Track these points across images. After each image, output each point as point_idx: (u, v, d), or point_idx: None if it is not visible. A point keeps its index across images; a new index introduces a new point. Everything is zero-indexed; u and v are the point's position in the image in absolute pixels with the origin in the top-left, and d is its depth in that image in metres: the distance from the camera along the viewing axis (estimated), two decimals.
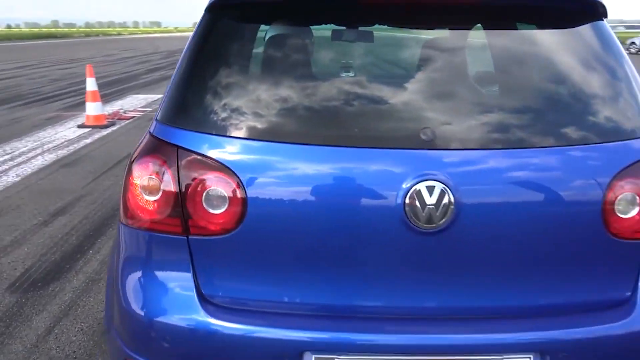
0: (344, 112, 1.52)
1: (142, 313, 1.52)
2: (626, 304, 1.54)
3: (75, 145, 6.51)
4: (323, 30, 1.89)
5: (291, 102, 1.53)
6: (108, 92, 11.28)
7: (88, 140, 6.77)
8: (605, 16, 1.66)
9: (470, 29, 1.82)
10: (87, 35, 69.15)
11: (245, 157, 1.46)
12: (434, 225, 1.41)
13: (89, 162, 5.70)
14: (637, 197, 1.50)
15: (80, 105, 8.93)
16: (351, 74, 1.80)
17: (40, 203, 4.43)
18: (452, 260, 1.48)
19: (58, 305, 2.87)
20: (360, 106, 1.53)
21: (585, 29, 1.63)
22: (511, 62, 1.71)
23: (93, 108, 7.55)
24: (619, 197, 1.49)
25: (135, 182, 1.52)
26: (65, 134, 7.09)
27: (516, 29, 1.70)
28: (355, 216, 1.45)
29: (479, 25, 1.71)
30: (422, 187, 1.40)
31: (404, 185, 1.41)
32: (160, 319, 1.50)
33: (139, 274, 1.57)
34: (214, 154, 1.46)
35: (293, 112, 1.52)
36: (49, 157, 5.90)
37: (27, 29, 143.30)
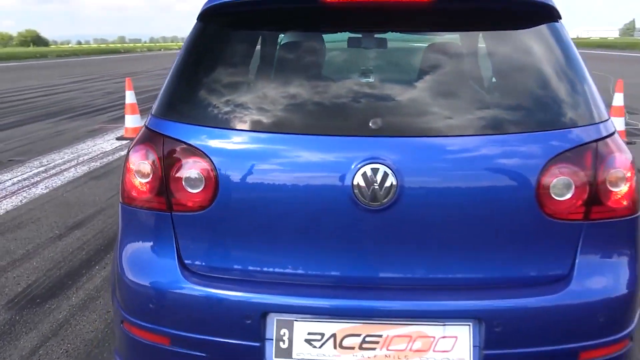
0: (305, 105, 1.74)
1: (133, 279, 1.75)
2: (564, 280, 1.65)
3: (110, 157, 6.58)
4: (296, 34, 2.14)
5: (260, 98, 1.77)
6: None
7: (123, 153, 6.82)
8: (560, 18, 1.80)
9: (429, 32, 2.04)
10: (150, 49, 71.60)
11: (218, 144, 1.68)
12: (378, 203, 1.59)
13: (118, 175, 5.69)
14: (572, 181, 1.62)
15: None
16: (314, 74, 2.05)
17: (60, 216, 4.43)
18: (397, 235, 1.64)
19: (50, 324, 2.79)
20: (319, 100, 1.74)
21: (539, 30, 1.77)
22: (458, 59, 1.90)
23: (131, 120, 7.63)
24: (554, 181, 1.61)
25: (131, 167, 1.75)
26: (102, 146, 7.19)
27: (470, 30, 1.93)
28: (312, 194, 1.64)
29: (440, 28, 1.94)
30: (368, 169, 1.58)
31: (353, 167, 1.59)
32: (147, 283, 1.73)
33: (132, 245, 1.81)
34: (192, 141, 1.68)
35: (260, 106, 1.74)
36: (81, 169, 5.96)
37: (95, 45, 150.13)
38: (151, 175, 1.73)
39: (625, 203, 1.68)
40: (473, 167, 1.64)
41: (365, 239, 1.66)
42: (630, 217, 1.70)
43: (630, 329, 1.71)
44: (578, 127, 1.67)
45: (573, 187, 1.63)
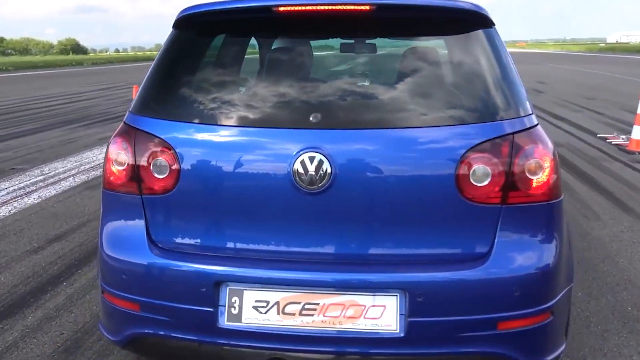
0: (255, 101, 2.00)
1: (109, 253, 1.99)
2: (483, 257, 1.82)
3: None
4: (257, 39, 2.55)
5: (217, 96, 2.03)
6: None
7: None
8: (493, 25, 2.01)
9: (370, 38, 2.26)
10: None
11: (181, 136, 1.91)
12: (315, 187, 1.79)
13: None
14: (489, 170, 1.80)
15: None
16: (265, 76, 2.33)
17: (44, 227, 4.31)
18: (332, 215, 1.84)
19: None
20: (267, 97, 1.99)
21: (472, 35, 1.98)
22: (390, 62, 2.11)
23: None
24: (472, 169, 1.80)
25: (110, 157, 2.00)
26: None
27: (408, 36, 2.21)
28: (259, 179, 1.86)
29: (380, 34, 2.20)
30: (306, 157, 1.79)
31: (294, 155, 1.80)
32: (121, 257, 1.97)
33: (110, 224, 2.04)
34: (160, 134, 1.92)
35: (217, 103, 2.00)
36: (80, 179, 5.87)
37: (132, 53, 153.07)
38: (126, 164, 1.98)
39: (543, 190, 1.84)
40: (400, 155, 1.84)
41: (305, 218, 1.87)
42: (548, 202, 1.86)
43: (549, 304, 1.86)
44: (497, 121, 1.85)
45: (490, 174, 1.81)
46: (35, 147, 7.82)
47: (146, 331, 1.96)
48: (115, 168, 2.00)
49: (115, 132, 2.06)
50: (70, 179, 5.88)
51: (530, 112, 1.91)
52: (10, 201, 5.04)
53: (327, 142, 1.83)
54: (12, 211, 4.75)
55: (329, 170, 1.81)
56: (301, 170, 1.81)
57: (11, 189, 5.48)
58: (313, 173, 1.81)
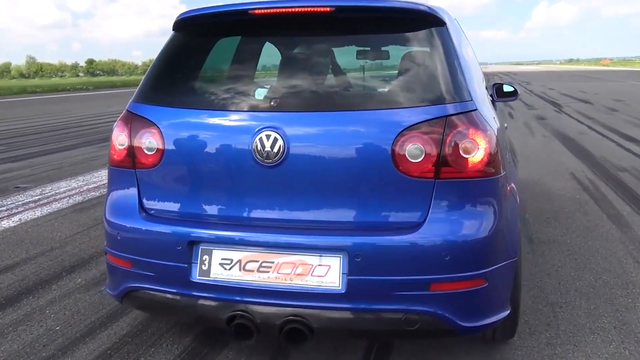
0: (227, 89, 2.46)
1: (109, 218, 2.36)
2: (418, 225, 2.05)
3: None
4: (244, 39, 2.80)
5: (199, 85, 2.52)
6: None
7: None
8: (445, 24, 2.26)
9: (334, 36, 2.57)
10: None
11: (166, 118, 2.28)
12: (270, 161, 2.10)
13: (102, 208, 5.15)
14: (422, 147, 2.05)
15: None
16: (239, 69, 2.75)
17: (1, 256, 3.89)
18: (286, 186, 2.13)
19: None
20: (237, 86, 2.51)
21: (424, 32, 2.27)
22: (345, 56, 2.72)
23: None
24: (407, 146, 2.05)
25: (113, 138, 2.37)
26: None
27: (367, 34, 2.54)
28: (227, 154, 2.18)
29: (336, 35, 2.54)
30: (263, 135, 2.10)
31: (255, 133, 2.11)
32: (117, 221, 2.33)
33: (112, 194, 2.42)
34: (149, 117, 2.29)
35: (198, 91, 2.50)
36: (75, 200, 5.50)
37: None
38: (125, 143, 2.32)
39: (477, 167, 2.06)
40: (343, 134, 2.11)
41: (263, 189, 2.14)
42: (482, 179, 2.07)
43: (481, 271, 2.06)
44: (432, 105, 2.09)
45: (424, 152, 2.04)
46: (56, 165, 7.62)
47: (136, 285, 2.29)
48: (117, 147, 2.36)
49: (119, 118, 2.41)
50: (65, 200, 5.51)
51: (469, 99, 2.13)
52: None
53: (281, 122, 2.12)
54: None
55: (282, 147, 2.09)
56: (259, 147, 2.10)
57: None
58: (269, 149, 2.09)
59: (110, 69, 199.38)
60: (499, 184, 2.14)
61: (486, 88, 4.02)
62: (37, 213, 5.02)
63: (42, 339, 2.71)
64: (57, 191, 5.92)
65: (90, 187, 6.11)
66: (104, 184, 6.20)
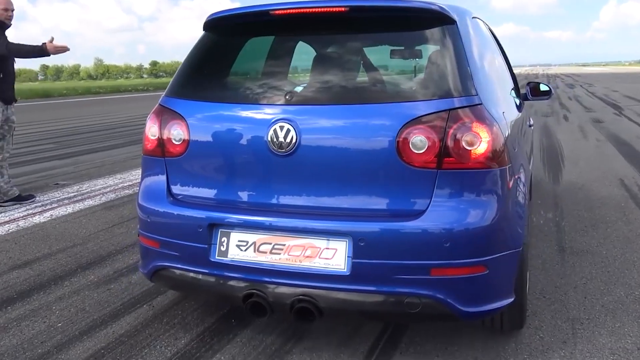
0: (248, 85, 2.76)
1: (141, 202, 2.57)
2: (421, 213, 2.15)
3: None
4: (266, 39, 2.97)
5: (223, 81, 2.71)
6: None
7: None
8: (455, 22, 2.36)
9: (350, 34, 2.63)
10: None
11: (192, 111, 2.48)
12: (284, 150, 2.25)
13: (132, 207, 5.21)
14: (426, 139, 2.14)
15: None
16: (261, 66, 2.87)
17: (23, 250, 3.98)
18: (297, 174, 2.28)
19: None
20: (257, 81, 2.77)
21: (435, 30, 2.39)
22: (355, 55, 2.73)
23: None
24: (411, 138, 2.16)
25: (146, 129, 2.58)
26: None
27: (380, 31, 2.56)
28: (245, 144, 2.35)
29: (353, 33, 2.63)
30: (277, 126, 2.26)
31: (270, 124, 2.28)
32: (147, 205, 2.54)
33: (145, 180, 2.63)
34: (177, 109, 2.50)
35: (221, 86, 2.67)
36: (108, 197, 5.59)
37: None
38: (156, 134, 2.53)
39: (479, 159, 2.15)
40: (351, 126, 2.25)
41: (277, 176, 2.30)
42: (485, 170, 2.17)
43: (481, 259, 2.16)
44: (436, 99, 2.20)
45: (427, 143, 2.15)
46: (98, 163, 7.81)
47: (163, 264, 2.49)
48: (149, 137, 2.57)
49: (152, 111, 2.60)
50: (98, 197, 5.62)
51: (474, 94, 2.22)
52: (18, 219, 4.82)
53: (294, 115, 2.27)
54: (10, 230, 4.50)
55: (294, 138, 2.24)
56: (274, 137, 2.26)
57: (32, 206, 5.30)
58: (282, 139, 2.25)
59: (173, 70, 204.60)
60: (502, 177, 2.22)
61: (519, 88, 4.04)
62: (69, 210, 5.13)
63: (42, 335, 2.72)
64: (93, 188, 6.05)
65: (125, 184, 6.21)
66: (138, 182, 6.29)
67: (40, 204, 5.37)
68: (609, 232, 4.23)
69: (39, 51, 4.94)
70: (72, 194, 5.77)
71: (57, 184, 6.35)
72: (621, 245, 3.92)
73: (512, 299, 2.33)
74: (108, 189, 5.99)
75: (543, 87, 4.35)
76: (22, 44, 5.01)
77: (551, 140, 9.43)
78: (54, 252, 3.94)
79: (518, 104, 3.59)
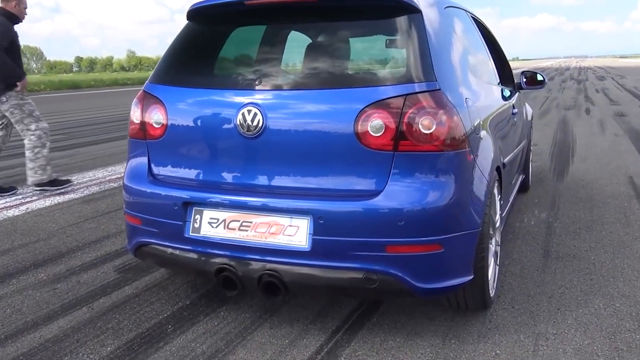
0: (222, 71, 2.89)
1: (126, 182, 2.74)
2: (378, 193, 2.25)
3: None
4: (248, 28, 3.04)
5: (197, 67, 2.78)
6: None
7: None
8: (420, 11, 2.46)
9: (320, 23, 2.75)
10: None
11: (170, 95, 2.63)
12: (251, 133, 2.39)
13: (112, 200, 5.09)
14: (383, 123, 2.24)
15: None
16: (239, 56, 3.06)
17: None
18: (264, 156, 2.41)
19: None
20: (230, 69, 2.92)
21: (400, 19, 2.46)
22: (321, 43, 2.79)
23: None
24: (369, 121, 2.26)
25: (131, 113, 2.76)
26: None
27: (348, 20, 2.65)
28: (217, 126, 2.49)
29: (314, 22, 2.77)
30: (245, 110, 2.40)
31: (238, 108, 2.42)
32: (131, 185, 2.71)
33: (130, 162, 2.79)
34: (157, 94, 2.67)
35: (196, 72, 2.75)
36: (91, 190, 5.48)
37: None
38: (139, 118, 2.70)
39: (435, 142, 2.24)
40: (314, 110, 2.37)
41: (245, 158, 2.45)
42: (441, 152, 2.26)
43: (436, 237, 2.25)
44: (394, 84, 2.30)
45: (384, 126, 2.25)
46: (93, 155, 7.73)
47: (145, 240, 2.65)
48: (133, 121, 2.74)
49: (136, 96, 2.76)
50: (81, 190, 5.50)
51: (433, 80, 2.30)
52: None
53: (261, 99, 2.40)
54: None
55: (260, 121, 2.37)
56: (242, 120, 2.40)
57: (13, 198, 5.21)
58: (250, 122, 2.38)
59: None
60: (458, 160, 2.31)
61: (513, 78, 4.48)
62: (47, 203, 5.02)
63: None
64: (79, 181, 5.94)
65: (113, 177, 6.09)
66: None
67: (21, 196, 5.28)
68: (603, 234, 3.92)
69: (16, 76, 5.15)
70: (56, 187, 5.66)
71: None
72: (613, 249, 3.62)
73: (471, 277, 2.43)
74: (94, 182, 5.88)
75: (539, 77, 4.57)
76: (8, 61, 5.06)
77: (566, 134, 9.01)
78: (14, 247, 3.82)
79: (505, 94, 3.80)
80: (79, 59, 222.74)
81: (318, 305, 2.85)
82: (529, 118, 5.19)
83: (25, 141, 5.25)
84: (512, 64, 5.07)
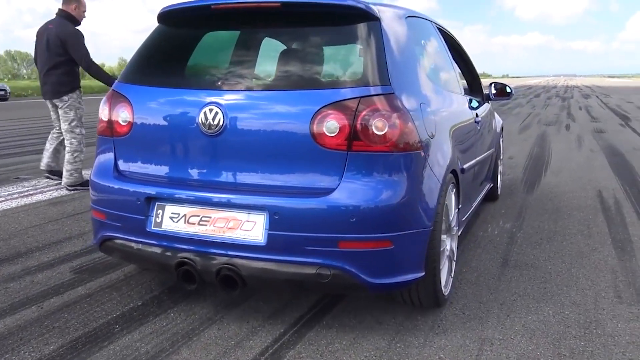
0: (187, 72, 2.88)
1: (93, 178, 2.82)
2: (332, 191, 2.34)
3: None
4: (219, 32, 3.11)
5: (164, 67, 2.85)
6: None
7: None
8: (379, 19, 2.58)
9: (283, 27, 2.85)
10: None
11: (136, 94, 2.72)
12: (212, 131, 2.48)
13: (79, 203, 5.06)
14: (337, 123, 2.33)
15: None
16: (205, 57, 3.03)
17: None
18: (224, 153, 2.49)
19: None
20: (195, 69, 2.90)
21: (359, 26, 2.55)
22: (288, 47, 2.88)
23: None
24: (324, 122, 2.35)
25: (100, 111, 2.84)
26: None
27: (308, 25, 2.70)
28: (180, 124, 2.57)
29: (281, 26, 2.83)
30: (207, 109, 2.48)
31: (200, 107, 2.50)
32: (97, 180, 2.78)
33: (97, 158, 2.85)
34: (124, 92, 2.75)
35: (162, 72, 2.81)
36: (60, 193, 5.45)
37: None
38: (107, 116, 2.78)
39: (387, 143, 2.34)
40: (272, 110, 2.46)
41: (206, 155, 2.53)
42: (392, 153, 2.35)
43: (386, 234, 2.34)
44: (349, 87, 2.40)
45: (338, 127, 2.33)
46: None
47: (109, 234, 2.72)
48: (101, 119, 2.82)
49: (105, 95, 2.84)
50: (50, 192, 5.47)
51: (388, 84, 2.41)
52: None
53: (222, 99, 2.48)
54: None
55: (221, 120, 2.45)
56: (204, 119, 2.47)
57: None
58: (211, 121, 2.46)
59: None
60: (409, 161, 2.41)
61: (481, 89, 4.73)
62: (13, 204, 4.98)
63: None
64: (50, 183, 5.90)
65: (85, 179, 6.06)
66: None
67: None
68: (564, 245, 3.96)
69: (110, 84, 5.35)
70: (25, 189, 5.64)
71: (17, 178, 6.24)
72: (571, 260, 3.65)
73: (422, 274, 2.52)
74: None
75: (507, 90, 4.84)
76: (102, 71, 5.60)
77: (543, 149, 9.10)
78: None
79: (473, 104, 4.02)
80: None
81: (270, 308, 2.85)
82: (498, 130, 5.25)
83: (66, 143, 5.54)
84: (501, 81, 5.22)
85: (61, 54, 5.38)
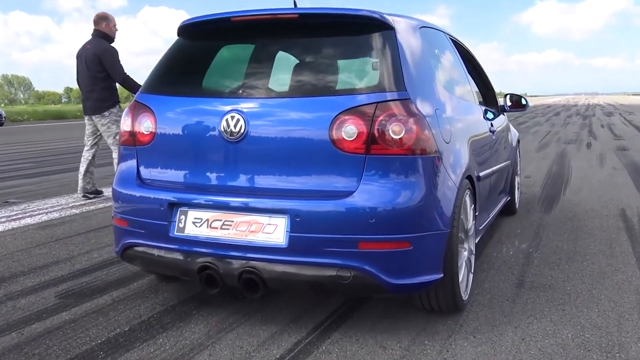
0: (209, 81, 2.97)
1: (115, 186, 2.89)
2: (351, 194, 2.39)
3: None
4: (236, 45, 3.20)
5: (187, 78, 2.96)
6: None
7: None
8: (393, 28, 2.67)
9: (302, 38, 2.90)
10: None
11: (159, 104, 2.80)
12: (234, 137, 2.55)
13: (69, 227, 4.90)
14: (356, 128, 2.40)
15: None
16: (222, 68, 3.11)
17: None
18: (246, 159, 2.56)
19: None
20: (217, 79, 3.01)
21: (374, 35, 2.65)
22: (301, 56, 2.96)
23: None
24: (343, 126, 2.41)
25: (122, 121, 2.93)
26: None
27: (327, 36, 2.80)
28: (203, 132, 2.64)
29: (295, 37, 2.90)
30: (229, 117, 2.57)
31: (222, 115, 2.58)
32: (119, 189, 2.85)
33: (120, 166, 2.94)
34: (146, 102, 2.84)
35: (184, 82, 2.93)
36: (50, 217, 5.27)
37: None
38: (130, 126, 2.87)
39: (404, 146, 2.39)
40: (291, 116, 2.54)
41: (228, 161, 2.60)
42: (409, 156, 2.41)
43: (405, 235, 2.39)
44: (366, 93, 2.48)
45: (357, 131, 2.40)
46: (65, 182, 7.63)
47: (131, 241, 2.76)
48: (124, 129, 2.88)
49: (128, 106, 2.92)
50: (39, 216, 5.30)
51: (404, 90, 2.49)
52: None
53: (244, 107, 2.58)
54: None
55: (243, 127, 2.54)
56: (226, 126, 2.56)
57: None
58: (233, 128, 2.55)
59: None
60: (426, 163, 2.46)
61: (496, 101, 4.73)
62: (1, 228, 4.85)
63: None
64: (40, 207, 5.76)
65: (76, 204, 5.92)
66: (92, 202, 6.05)
67: None
68: (584, 265, 3.70)
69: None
70: (14, 212, 5.52)
71: (6, 201, 6.14)
72: (592, 280, 3.39)
73: (440, 276, 2.55)
74: (55, 208, 5.70)
75: (523, 102, 4.77)
76: (137, 85, 5.77)
77: (562, 167, 8.81)
78: None
79: (488, 115, 4.04)
80: (68, 90, 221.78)
81: (266, 332, 2.66)
82: (514, 143, 5.12)
83: (114, 155, 5.99)
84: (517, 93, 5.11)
85: (100, 71, 5.74)
